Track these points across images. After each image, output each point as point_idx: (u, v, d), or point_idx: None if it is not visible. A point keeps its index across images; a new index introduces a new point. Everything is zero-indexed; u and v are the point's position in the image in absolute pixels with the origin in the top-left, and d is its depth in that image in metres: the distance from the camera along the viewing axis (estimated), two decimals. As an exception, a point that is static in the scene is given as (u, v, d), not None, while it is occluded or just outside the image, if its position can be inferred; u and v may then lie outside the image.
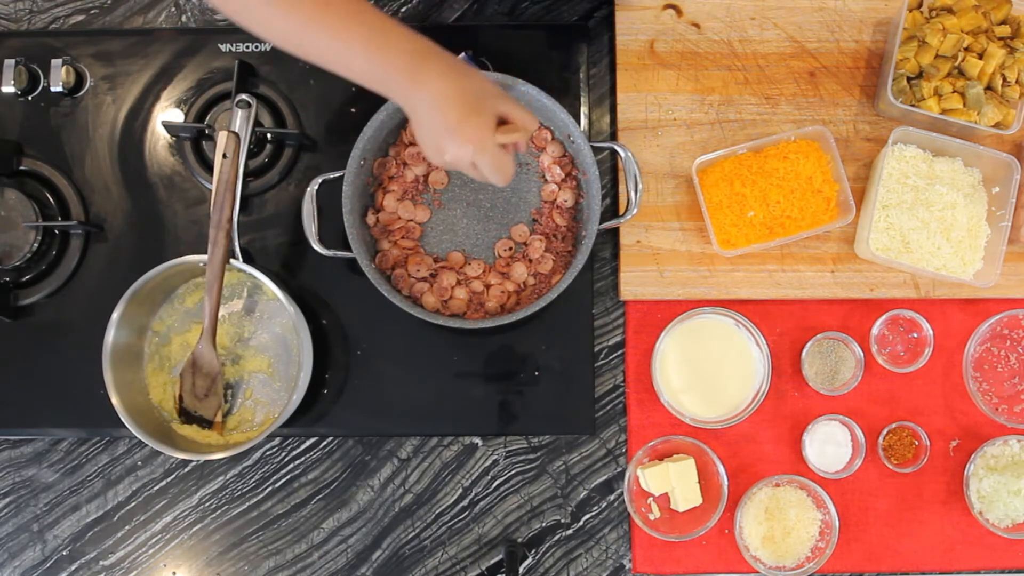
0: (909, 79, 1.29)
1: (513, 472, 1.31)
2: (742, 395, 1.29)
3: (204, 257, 1.21)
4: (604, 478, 1.31)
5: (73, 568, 1.29)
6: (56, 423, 1.30)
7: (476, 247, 1.29)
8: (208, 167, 1.33)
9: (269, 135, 1.32)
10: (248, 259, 1.25)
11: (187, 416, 1.26)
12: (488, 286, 1.26)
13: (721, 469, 1.25)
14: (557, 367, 1.30)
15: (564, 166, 1.28)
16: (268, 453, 1.31)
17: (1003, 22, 1.28)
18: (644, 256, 1.31)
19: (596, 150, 1.24)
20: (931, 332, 1.29)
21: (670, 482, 1.27)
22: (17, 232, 1.29)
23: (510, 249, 1.28)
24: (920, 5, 1.31)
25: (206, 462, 1.31)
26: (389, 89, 0.98)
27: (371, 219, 1.27)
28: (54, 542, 1.30)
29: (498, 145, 0.98)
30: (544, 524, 1.30)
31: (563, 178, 1.28)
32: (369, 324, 1.31)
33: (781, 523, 1.27)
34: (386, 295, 1.19)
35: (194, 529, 1.30)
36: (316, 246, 1.23)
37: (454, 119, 0.94)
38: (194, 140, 1.33)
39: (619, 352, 1.32)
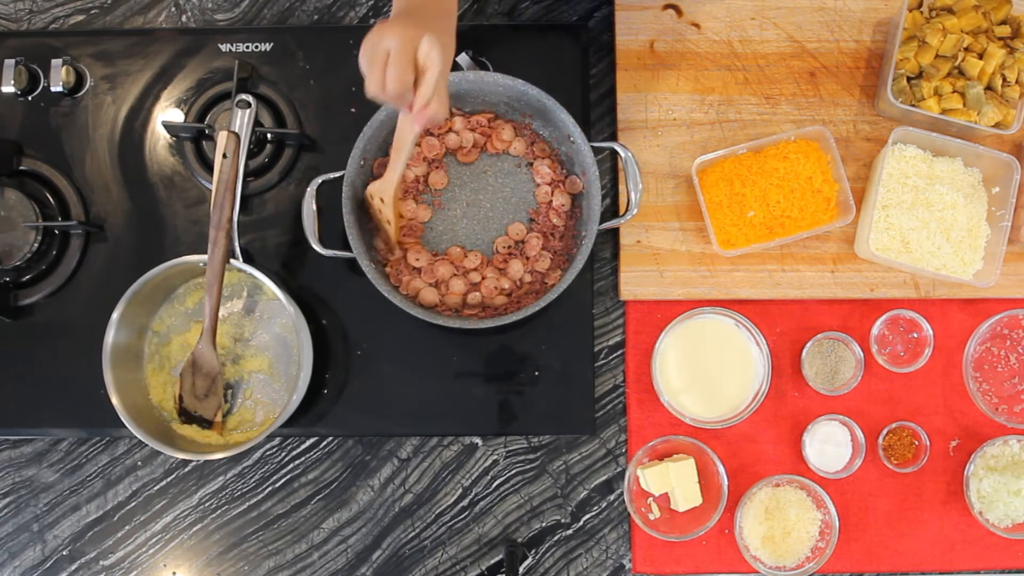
0: (909, 79, 1.29)
1: (513, 472, 1.31)
2: (742, 395, 1.29)
3: (204, 257, 1.21)
4: (604, 478, 1.31)
5: (73, 568, 1.29)
6: (56, 423, 1.30)
7: (476, 247, 1.29)
8: (208, 167, 1.33)
9: (269, 135, 1.33)
10: (248, 259, 1.25)
11: (187, 416, 1.26)
12: (484, 278, 1.26)
13: (721, 469, 1.25)
14: (557, 367, 1.30)
15: (555, 169, 1.28)
16: (268, 453, 1.31)
17: (1003, 22, 1.28)
18: (644, 256, 1.31)
19: (596, 150, 1.24)
20: (931, 332, 1.29)
21: (670, 482, 1.27)
22: (17, 232, 1.29)
23: (509, 247, 1.28)
24: (920, 5, 1.31)
25: (206, 462, 1.31)
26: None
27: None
28: (54, 542, 1.30)
29: (408, 58, 0.99)
30: (544, 524, 1.30)
31: (551, 179, 1.28)
32: (369, 324, 1.31)
33: (781, 523, 1.27)
34: (386, 295, 1.19)
35: (194, 529, 1.30)
36: (316, 246, 1.23)
37: (404, 13, 1.03)
38: (194, 140, 1.33)
39: (619, 352, 1.32)
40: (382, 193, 1.20)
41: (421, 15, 1.02)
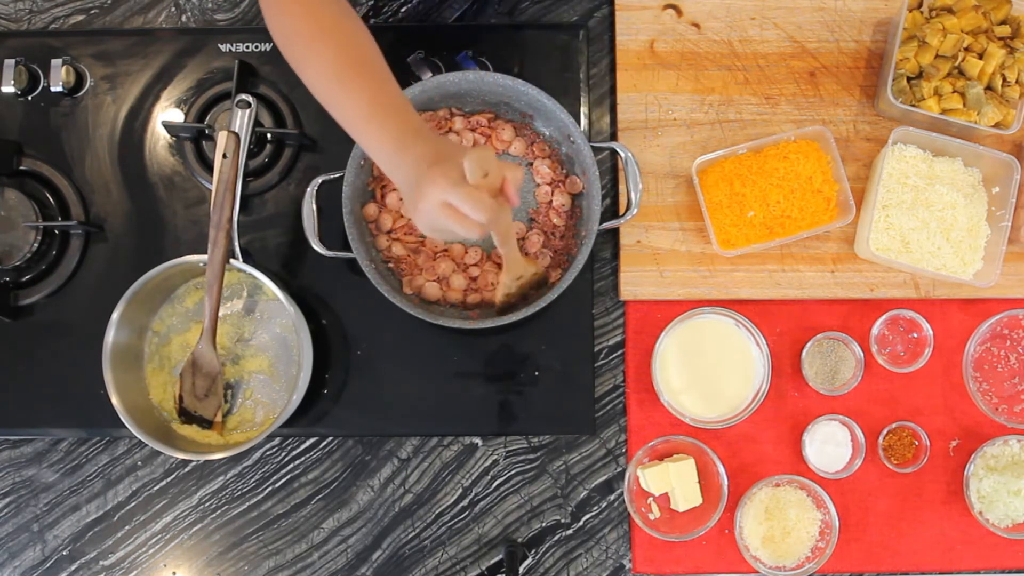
0: (909, 79, 1.29)
1: (513, 472, 1.31)
2: (742, 395, 1.29)
3: (204, 257, 1.21)
4: (604, 478, 1.31)
5: (73, 568, 1.29)
6: (56, 423, 1.30)
7: (477, 245, 1.29)
8: (208, 167, 1.33)
9: (269, 135, 1.33)
10: (248, 259, 1.25)
11: (187, 416, 1.26)
12: (483, 271, 1.26)
13: (721, 469, 1.25)
14: (557, 367, 1.30)
15: (555, 169, 1.28)
16: (268, 453, 1.31)
17: (1003, 22, 1.28)
18: (644, 256, 1.31)
19: (596, 150, 1.24)
20: (931, 332, 1.29)
21: (670, 482, 1.27)
22: (17, 232, 1.29)
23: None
24: (920, 5, 1.31)
25: (206, 462, 1.31)
26: (381, 162, 1.04)
27: (372, 210, 1.27)
28: (54, 542, 1.30)
29: (471, 184, 0.97)
30: (544, 524, 1.30)
31: (551, 179, 1.28)
32: (369, 324, 1.31)
33: (781, 523, 1.27)
34: (386, 295, 1.19)
35: (194, 529, 1.30)
36: (316, 246, 1.23)
37: (425, 168, 0.98)
38: (194, 140, 1.33)
39: (619, 352, 1.32)
40: (517, 274, 1.19)
41: (429, 164, 0.98)
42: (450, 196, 0.95)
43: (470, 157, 0.96)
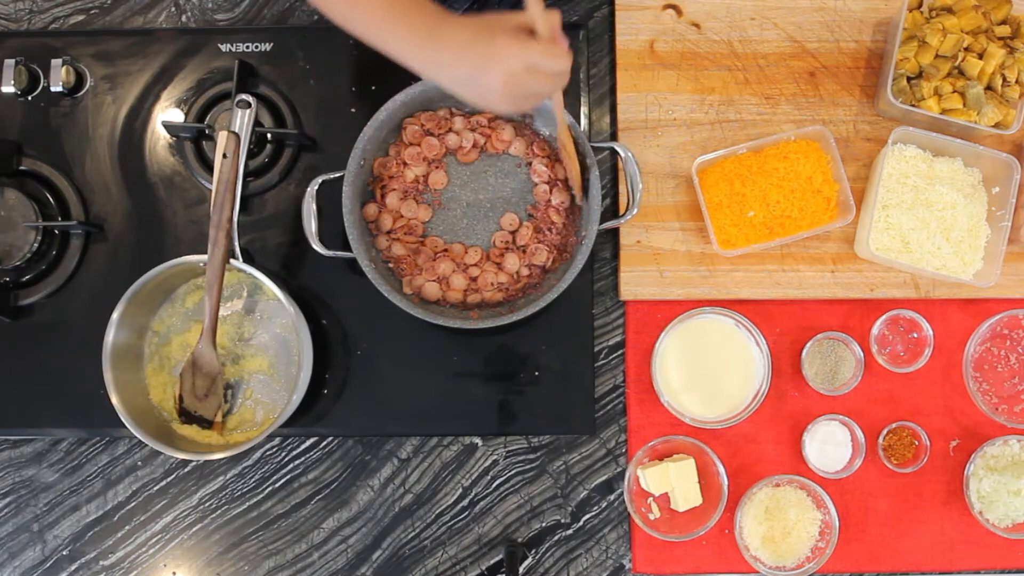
0: (909, 79, 1.29)
1: (513, 472, 1.31)
2: (742, 395, 1.29)
3: (204, 257, 1.21)
4: (604, 478, 1.31)
5: (73, 568, 1.29)
6: (56, 423, 1.30)
7: (477, 245, 1.29)
8: (208, 167, 1.33)
9: (269, 135, 1.33)
10: (248, 259, 1.25)
11: (187, 416, 1.26)
12: (483, 271, 1.27)
13: (721, 469, 1.25)
14: (557, 367, 1.30)
15: (553, 168, 1.28)
16: (268, 453, 1.31)
17: (1003, 22, 1.28)
18: (644, 256, 1.31)
19: (596, 150, 1.24)
20: (931, 332, 1.29)
21: (670, 482, 1.27)
22: (17, 232, 1.29)
23: (506, 242, 1.28)
24: (920, 5, 1.31)
25: (206, 462, 1.31)
26: (413, 60, 1.01)
27: (372, 210, 1.27)
28: (54, 542, 1.30)
29: (541, 40, 0.96)
30: (544, 524, 1.30)
31: (550, 178, 1.28)
32: (369, 324, 1.31)
33: (781, 523, 1.27)
34: (386, 295, 1.19)
35: (194, 529, 1.30)
36: (316, 246, 1.23)
37: (482, 50, 0.96)
38: (194, 140, 1.33)
39: (619, 352, 1.32)
40: (571, 144, 1.18)
41: (486, 43, 0.95)
42: (532, 59, 0.95)
43: (535, 13, 0.95)
